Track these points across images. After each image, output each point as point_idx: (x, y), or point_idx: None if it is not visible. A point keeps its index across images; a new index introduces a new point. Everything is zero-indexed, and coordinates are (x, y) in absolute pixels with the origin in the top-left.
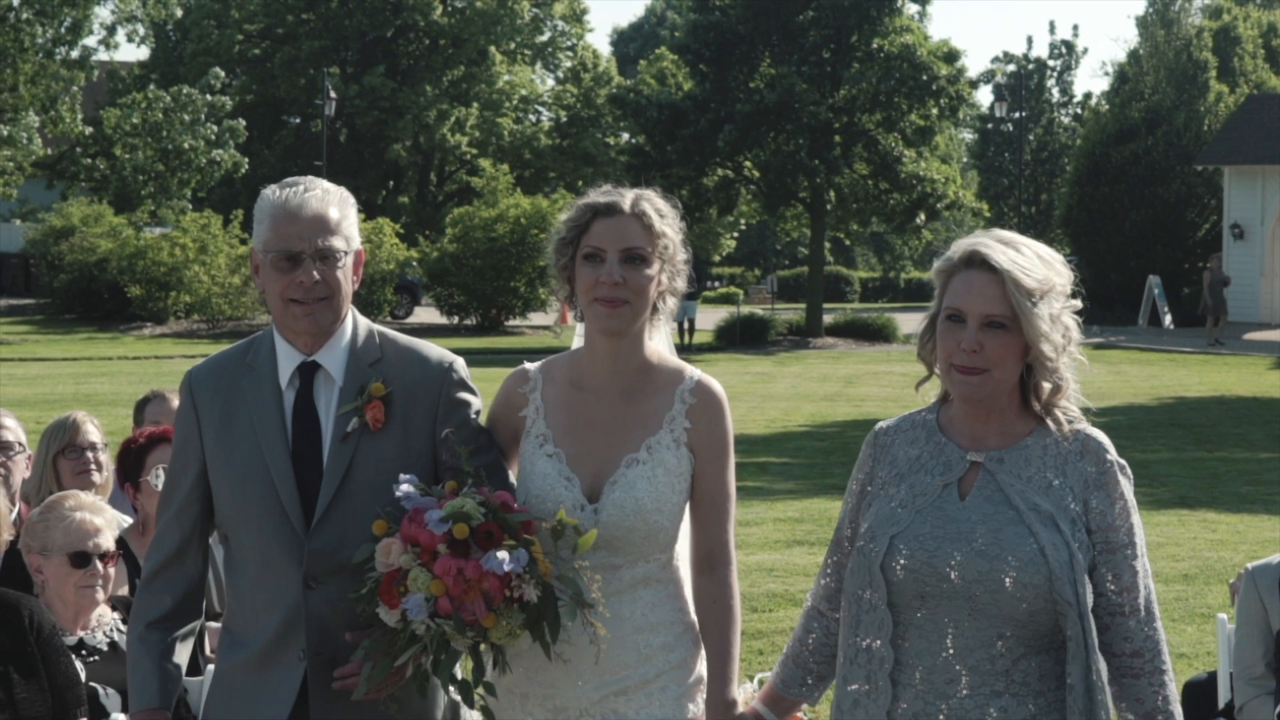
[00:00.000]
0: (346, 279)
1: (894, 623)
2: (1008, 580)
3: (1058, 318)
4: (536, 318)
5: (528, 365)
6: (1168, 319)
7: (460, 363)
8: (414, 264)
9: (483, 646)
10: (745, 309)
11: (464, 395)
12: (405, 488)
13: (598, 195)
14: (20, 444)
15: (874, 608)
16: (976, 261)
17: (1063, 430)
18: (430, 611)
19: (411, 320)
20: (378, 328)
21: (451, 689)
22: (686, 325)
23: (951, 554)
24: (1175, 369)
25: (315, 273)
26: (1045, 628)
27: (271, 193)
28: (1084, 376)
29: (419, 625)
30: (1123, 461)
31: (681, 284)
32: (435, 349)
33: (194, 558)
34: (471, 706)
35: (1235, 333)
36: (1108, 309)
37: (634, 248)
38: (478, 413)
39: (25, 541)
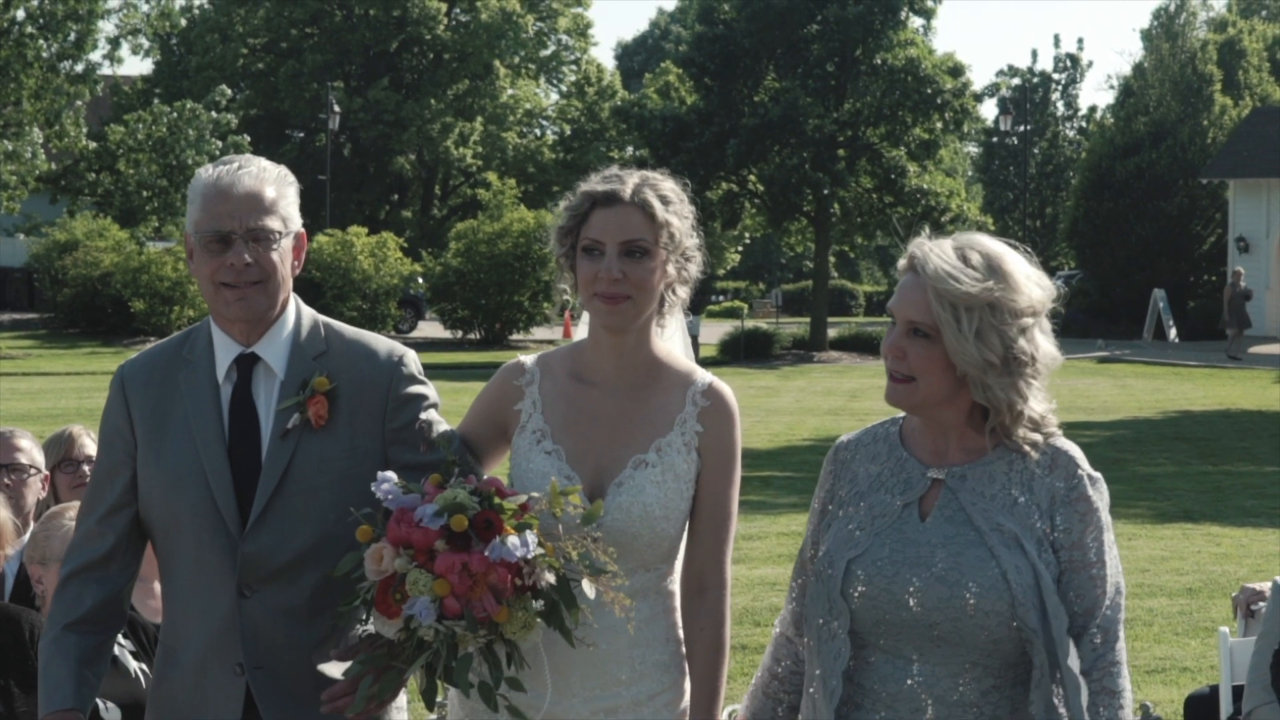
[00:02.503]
0: (284, 262)
1: (855, 651)
2: (969, 607)
3: (991, 334)
4: (540, 332)
5: (523, 357)
6: (1172, 332)
7: (412, 355)
8: (418, 278)
9: (495, 644)
10: (749, 323)
11: (415, 389)
12: (386, 487)
13: (598, 181)
14: (35, 467)
15: (833, 636)
16: (913, 266)
17: (1030, 443)
18: (437, 614)
19: (415, 334)
20: (324, 319)
21: (471, 694)
22: (690, 340)
23: (910, 580)
24: (1180, 382)
25: (247, 255)
26: (1012, 656)
27: (205, 171)
28: (1091, 399)
29: (427, 631)
30: (1096, 474)
31: (695, 270)
32: (385, 341)
33: (121, 563)
34: (495, 709)
35: (1240, 346)
36: (1113, 322)
37: (634, 240)
38: (433, 406)
39: (27, 553)
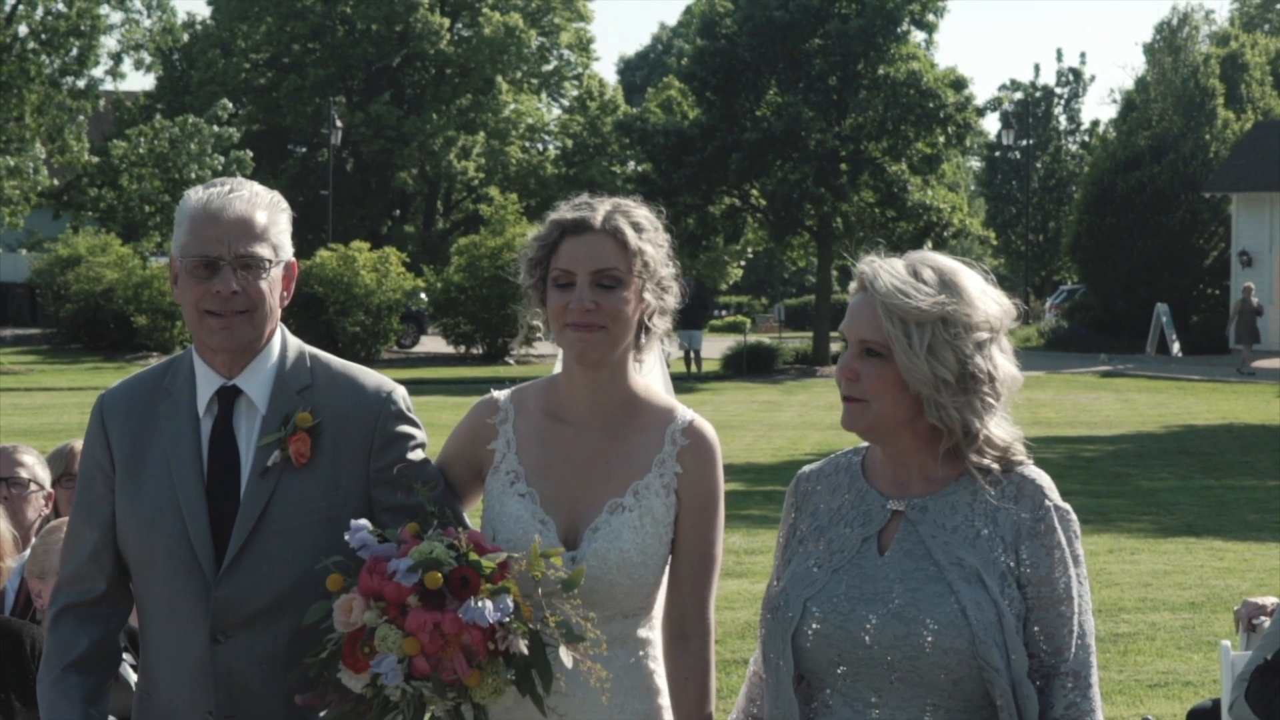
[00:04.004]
0: (273, 292)
1: (814, 694)
2: (927, 645)
3: (945, 349)
4: (544, 347)
5: (496, 393)
6: (1175, 346)
7: (401, 392)
8: (420, 293)
9: (463, 706)
10: (752, 337)
11: (403, 428)
12: (361, 535)
13: (567, 209)
14: (36, 483)
15: (784, 680)
16: (863, 284)
17: (997, 472)
18: (405, 673)
19: (418, 349)
20: (310, 350)
21: None
22: (692, 355)
23: (867, 616)
24: (1183, 397)
25: (235, 282)
26: (975, 697)
27: (194, 193)
28: (1094, 414)
29: (394, 691)
30: (1065, 506)
31: (672, 301)
32: (374, 376)
33: (112, 603)
34: None
35: (1250, 362)
36: (1115, 336)
37: (606, 269)
38: (420, 447)
39: (28, 567)
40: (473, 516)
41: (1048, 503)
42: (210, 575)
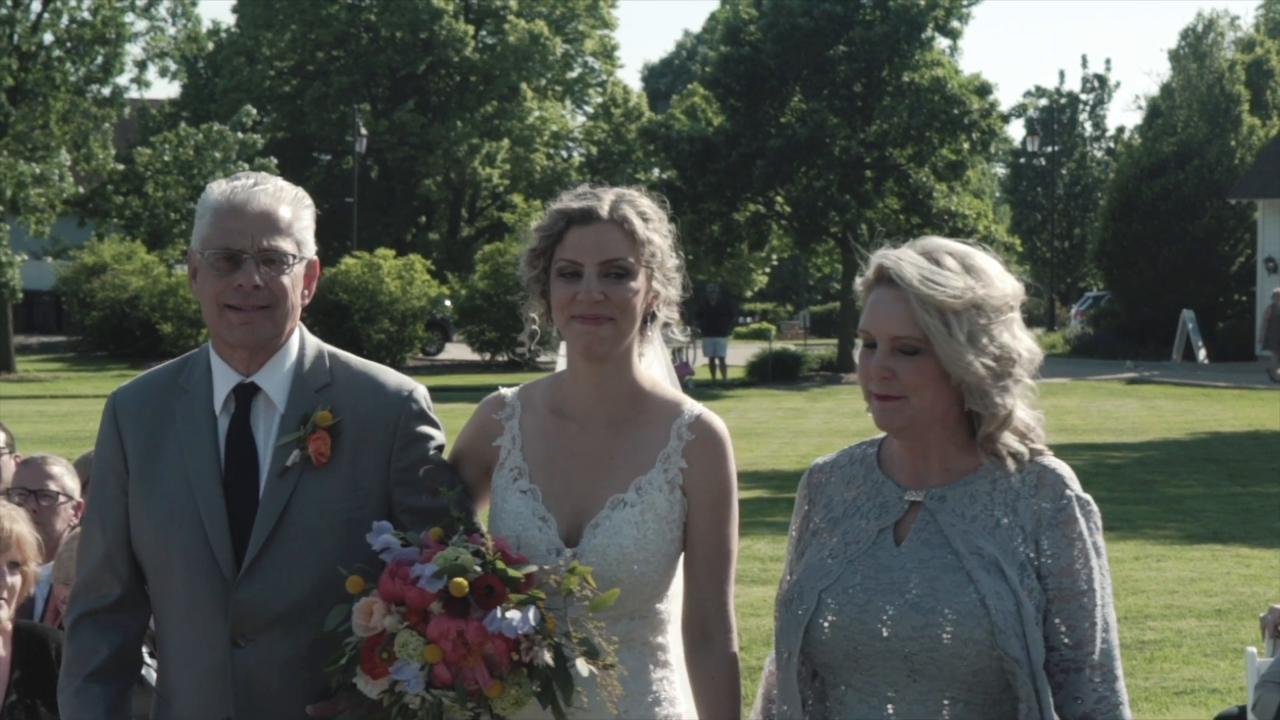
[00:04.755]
0: (294, 289)
1: (828, 689)
2: (945, 636)
3: (984, 336)
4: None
5: (504, 390)
6: (1202, 353)
7: (422, 391)
8: (445, 301)
9: (482, 717)
10: (777, 344)
11: (424, 428)
12: (385, 537)
13: (571, 199)
14: (66, 494)
15: (792, 673)
16: (885, 278)
17: (1018, 462)
18: (426, 682)
19: (443, 357)
20: (329, 349)
21: None
22: (717, 362)
23: (883, 608)
24: (1209, 403)
25: (257, 276)
26: (995, 689)
27: (217, 186)
28: (1120, 421)
29: (413, 699)
30: (1085, 497)
31: (675, 292)
32: (394, 375)
33: (131, 610)
34: None
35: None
36: (1141, 343)
37: (614, 260)
38: (440, 448)
39: (54, 573)
40: (483, 517)
41: (1069, 492)
42: (229, 577)
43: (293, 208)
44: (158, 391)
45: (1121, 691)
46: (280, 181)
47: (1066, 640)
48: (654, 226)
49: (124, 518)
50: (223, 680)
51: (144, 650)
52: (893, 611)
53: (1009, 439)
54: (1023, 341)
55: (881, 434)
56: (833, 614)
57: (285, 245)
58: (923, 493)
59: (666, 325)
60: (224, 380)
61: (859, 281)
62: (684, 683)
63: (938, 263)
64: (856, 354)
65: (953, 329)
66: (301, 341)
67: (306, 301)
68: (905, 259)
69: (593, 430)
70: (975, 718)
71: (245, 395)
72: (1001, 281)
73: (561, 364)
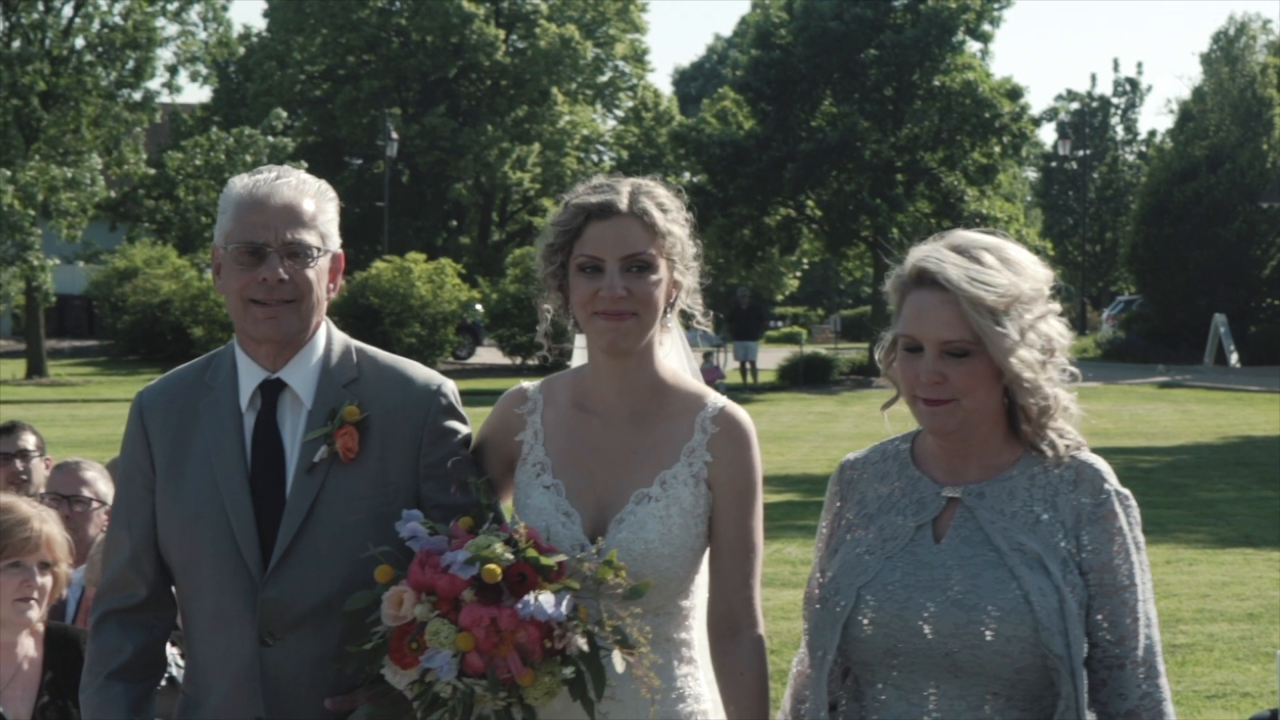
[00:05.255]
0: (320, 283)
1: (864, 687)
2: (988, 633)
3: (1031, 329)
4: None
5: (525, 384)
6: (1234, 357)
7: (450, 386)
8: (476, 305)
9: (513, 708)
10: (808, 348)
11: (452, 423)
12: (413, 525)
13: (589, 193)
14: (99, 500)
15: (824, 671)
16: (926, 279)
17: (1056, 456)
18: (458, 670)
19: (474, 361)
20: (356, 344)
21: None
22: (748, 366)
23: (924, 605)
24: (1241, 407)
25: (281, 270)
26: (1037, 686)
27: (240, 180)
28: (1152, 425)
29: (444, 687)
30: (1124, 491)
31: (692, 280)
32: (422, 369)
33: (157, 610)
34: None
35: None
36: (1173, 347)
37: (636, 254)
38: (468, 443)
39: (87, 575)
40: (506, 512)
41: (1108, 486)
42: (257, 575)
43: (316, 200)
44: (183, 390)
45: (1165, 687)
46: (303, 174)
47: (1109, 636)
48: (673, 217)
49: (150, 517)
50: (251, 679)
51: (175, 651)
52: (934, 609)
53: (1054, 427)
54: (1056, 327)
55: (912, 429)
56: (872, 611)
57: (309, 238)
58: (960, 489)
59: (688, 316)
60: (250, 376)
61: (892, 282)
62: (709, 679)
63: (978, 260)
64: (879, 355)
65: (1004, 326)
66: (328, 336)
67: (332, 295)
68: (946, 260)
69: (615, 424)
70: (1015, 714)
71: (271, 391)
72: (1035, 270)
73: (579, 357)
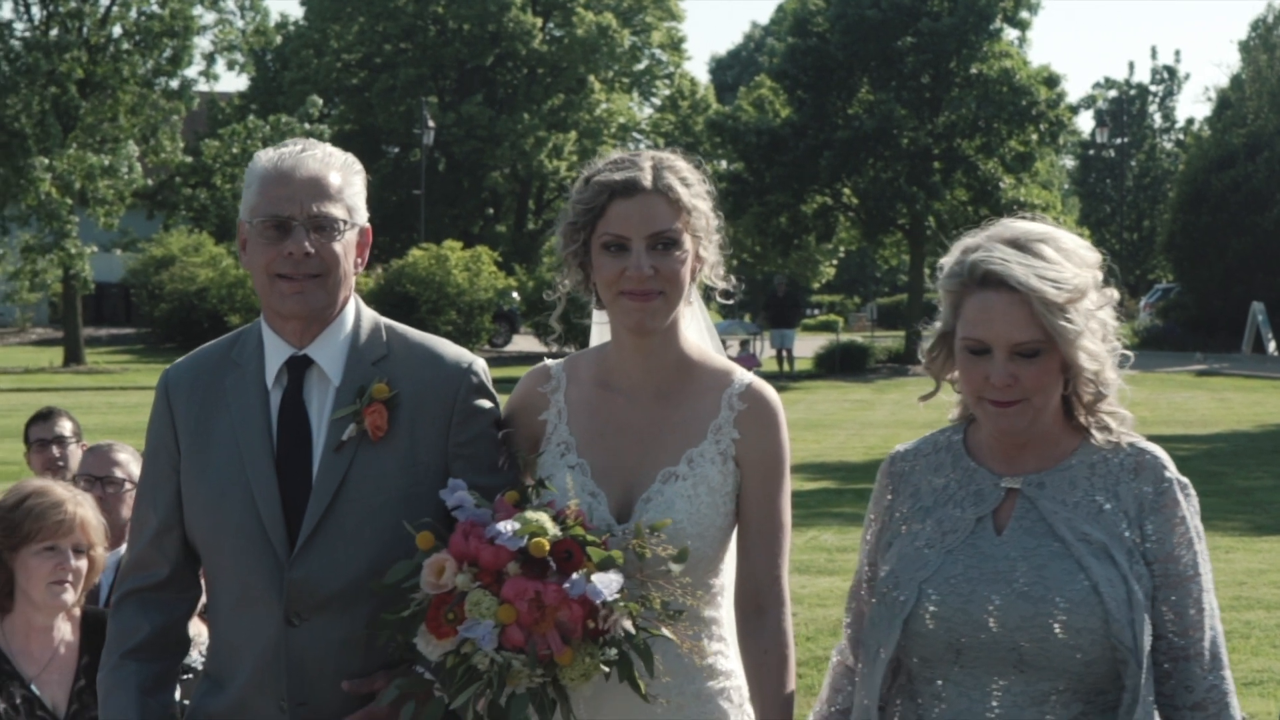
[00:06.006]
0: (346, 256)
1: (923, 684)
2: (1057, 625)
3: (1093, 318)
4: None
5: (549, 362)
6: (1271, 345)
7: (481, 364)
8: (512, 293)
9: (548, 687)
10: (844, 336)
11: (483, 402)
12: (460, 494)
13: (611, 169)
14: (131, 481)
15: (879, 667)
16: (992, 280)
17: (1112, 442)
18: (497, 643)
19: (510, 349)
20: (385, 320)
21: None
22: (785, 354)
23: (989, 597)
24: (1279, 396)
25: (307, 244)
26: (1104, 679)
27: (264, 153)
28: (1189, 413)
29: (482, 659)
30: (1184, 479)
31: (715, 254)
32: (452, 347)
33: (178, 589)
34: None
35: None
36: (1211, 335)
37: (662, 231)
38: (499, 423)
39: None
40: None
41: (1169, 475)
42: (283, 556)
43: (342, 173)
44: (209, 367)
45: (1229, 679)
46: (329, 147)
47: (1173, 628)
48: (695, 191)
49: (174, 496)
50: (277, 661)
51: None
52: (999, 601)
53: (1107, 409)
54: (1110, 311)
55: (962, 420)
56: (935, 605)
57: (335, 211)
58: (1019, 479)
59: (715, 292)
60: (276, 353)
61: (948, 281)
62: (740, 655)
63: (1040, 255)
64: (923, 351)
65: (1076, 323)
66: (357, 312)
67: (360, 270)
68: (1011, 259)
69: (640, 403)
70: (1080, 707)
71: (298, 368)
72: (1088, 255)
73: (596, 333)
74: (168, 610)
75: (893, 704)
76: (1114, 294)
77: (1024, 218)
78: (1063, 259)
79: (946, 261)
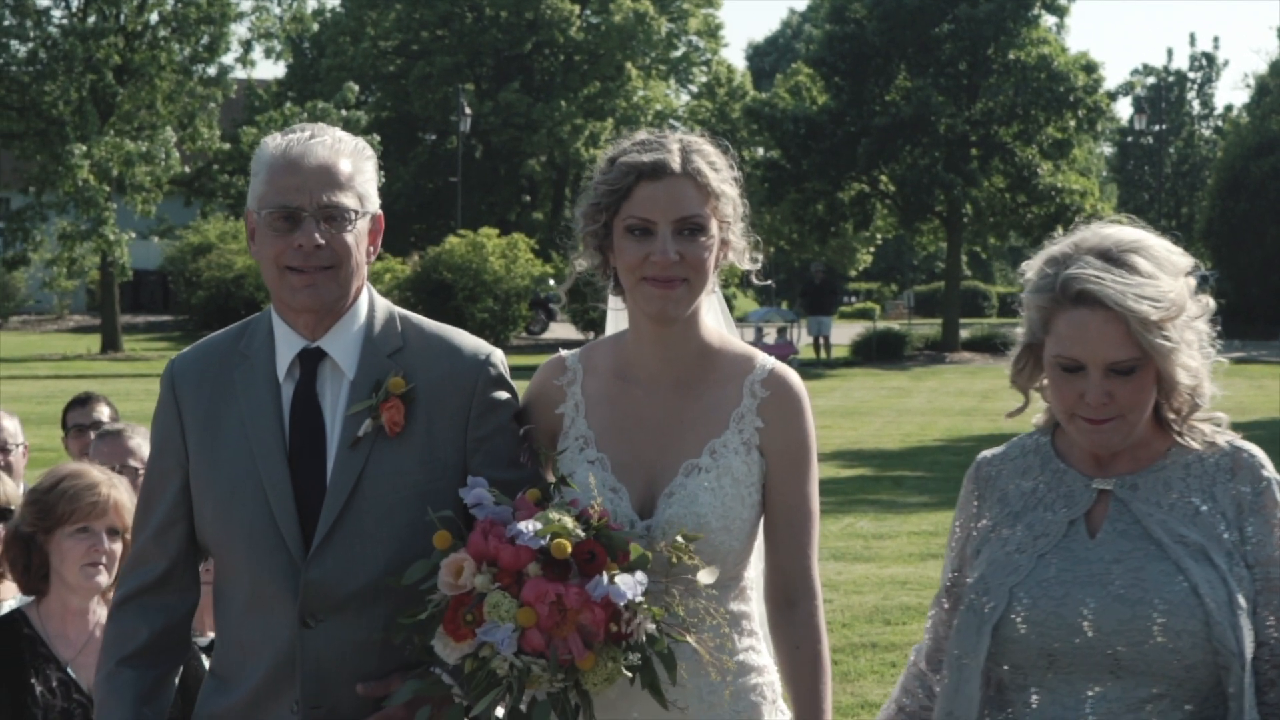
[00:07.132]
0: (359, 246)
1: (1015, 693)
2: (1155, 628)
3: (1189, 330)
4: None
5: (564, 353)
6: None
7: (499, 355)
8: (549, 280)
9: (570, 692)
10: (881, 324)
11: (502, 394)
12: (479, 491)
13: (638, 150)
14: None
15: (970, 676)
16: (1086, 299)
17: (1206, 443)
18: (516, 647)
19: (547, 336)
20: (400, 311)
21: None
22: (822, 341)
23: (1083, 600)
24: None
25: (318, 235)
26: (1205, 685)
27: (272, 140)
28: (1225, 390)
29: (501, 663)
30: None
31: (741, 240)
32: (470, 338)
33: (178, 587)
34: None
35: None
36: (1249, 323)
37: (690, 216)
38: (518, 416)
39: None
40: None
41: (1266, 474)
42: (298, 556)
43: (353, 160)
44: (217, 358)
45: None
46: (339, 132)
47: (1275, 634)
48: (723, 175)
49: (178, 492)
50: (290, 663)
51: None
52: (1094, 604)
53: (1202, 417)
54: (1203, 321)
55: (1045, 422)
56: (1025, 609)
57: (346, 200)
58: (1112, 480)
59: (748, 275)
60: (287, 345)
61: (1034, 296)
62: (772, 649)
63: (1135, 270)
64: (1009, 367)
65: (1173, 339)
66: (370, 303)
67: (373, 259)
68: (1105, 278)
69: (659, 394)
70: (1178, 715)
71: (311, 361)
72: (1179, 261)
73: (613, 320)
74: (167, 612)
75: (981, 716)
76: (1209, 302)
77: (1112, 220)
78: (1157, 270)
79: (1030, 271)
